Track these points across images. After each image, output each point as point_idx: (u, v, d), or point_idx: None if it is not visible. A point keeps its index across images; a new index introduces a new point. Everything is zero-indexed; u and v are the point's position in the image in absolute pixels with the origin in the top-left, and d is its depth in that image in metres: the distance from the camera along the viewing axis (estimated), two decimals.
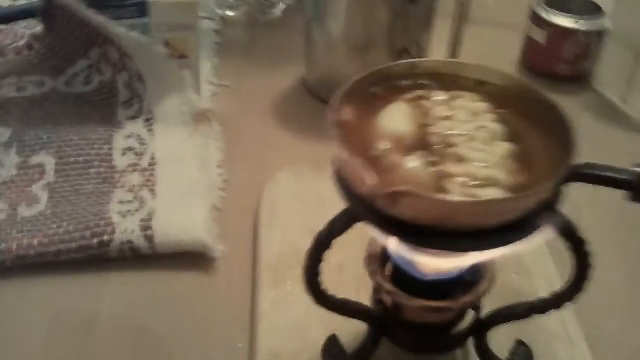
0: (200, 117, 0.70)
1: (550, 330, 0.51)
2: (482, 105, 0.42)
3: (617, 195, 0.62)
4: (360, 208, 0.38)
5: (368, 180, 0.35)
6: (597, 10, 0.79)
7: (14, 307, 0.54)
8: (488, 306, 0.50)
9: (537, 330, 0.50)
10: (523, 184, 0.37)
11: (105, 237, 0.57)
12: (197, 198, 0.62)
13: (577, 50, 0.78)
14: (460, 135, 0.40)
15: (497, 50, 0.87)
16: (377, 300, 0.47)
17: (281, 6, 0.90)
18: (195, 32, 0.69)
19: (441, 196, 0.35)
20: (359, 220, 0.39)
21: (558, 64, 0.79)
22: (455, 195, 0.36)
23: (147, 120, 0.70)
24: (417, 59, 0.44)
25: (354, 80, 0.42)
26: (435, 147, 0.40)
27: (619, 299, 0.57)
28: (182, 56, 0.70)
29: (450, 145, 0.39)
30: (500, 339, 0.48)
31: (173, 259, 0.57)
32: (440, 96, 0.43)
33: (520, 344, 0.48)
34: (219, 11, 0.89)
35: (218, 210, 0.62)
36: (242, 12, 0.89)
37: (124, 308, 0.55)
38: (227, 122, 0.72)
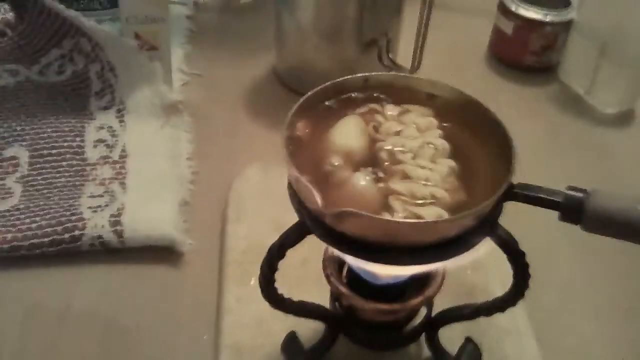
0: (171, 109, 0.71)
1: (501, 325, 0.53)
2: (430, 121, 0.44)
3: None
4: (311, 222, 0.40)
5: (314, 200, 0.37)
6: (565, 3, 0.80)
7: None
8: (443, 301, 0.52)
9: (487, 325, 0.53)
10: (463, 202, 0.39)
11: (76, 232, 0.59)
12: (167, 191, 0.64)
13: (543, 42, 0.80)
14: (407, 152, 0.42)
15: (466, 38, 0.88)
16: (334, 300, 0.49)
17: None
18: (165, 24, 0.70)
19: (381, 217, 0.37)
20: (310, 233, 0.41)
21: (524, 55, 0.81)
22: (399, 213, 0.38)
23: (119, 111, 0.71)
24: (370, 73, 0.46)
25: (307, 95, 0.44)
26: (383, 163, 0.41)
27: (567, 294, 0.59)
28: (153, 48, 0.71)
29: (397, 162, 0.41)
30: (453, 333, 0.51)
31: (142, 253, 0.59)
32: (391, 110, 0.45)
33: (469, 341, 0.50)
34: None
35: (187, 204, 0.64)
36: None
37: (94, 301, 0.57)
38: (197, 112, 0.74)
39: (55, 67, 0.75)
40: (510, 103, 0.79)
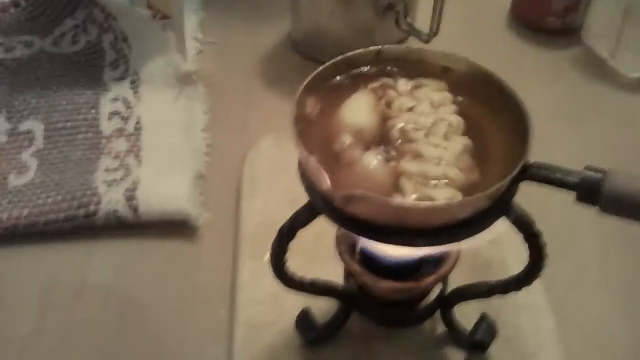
0: (185, 79, 0.71)
1: (517, 301, 0.53)
2: (444, 95, 0.43)
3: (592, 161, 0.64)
4: (321, 204, 0.39)
5: (323, 182, 0.36)
6: None
7: (4, 277, 0.57)
8: (458, 276, 0.51)
9: (504, 300, 0.52)
10: (476, 182, 0.38)
11: (92, 207, 0.59)
12: (182, 164, 0.63)
13: (566, 3, 0.77)
14: (419, 129, 0.41)
15: (487, 0, 0.85)
16: (347, 277, 0.49)
17: None
18: None
19: (391, 199, 0.36)
20: (320, 214, 0.40)
21: (547, 17, 0.78)
22: (410, 194, 0.38)
23: (133, 82, 0.71)
24: (383, 46, 0.45)
25: (316, 71, 0.42)
26: (395, 141, 0.40)
27: (585, 269, 0.58)
28: (165, 17, 0.70)
29: (410, 140, 0.40)
30: (468, 308, 0.50)
31: (158, 227, 0.59)
32: (404, 84, 0.44)
33: (484, 317, 0.50)
34: None
35: (202, 177, 0.63)
36: None
37: (110, 276, 0.57)
38: (212, 82, 0.73)
39: (69, 37, 0.75)
40: (531, 68, 0.77)
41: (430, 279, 0.45)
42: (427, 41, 0.72)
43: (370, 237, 0.39)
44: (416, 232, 0.38)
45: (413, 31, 0.74)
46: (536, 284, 0.53)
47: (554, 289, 0.55)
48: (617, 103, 0.74)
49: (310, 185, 0.40)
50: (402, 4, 0.73)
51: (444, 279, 0.47)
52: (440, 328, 0.51)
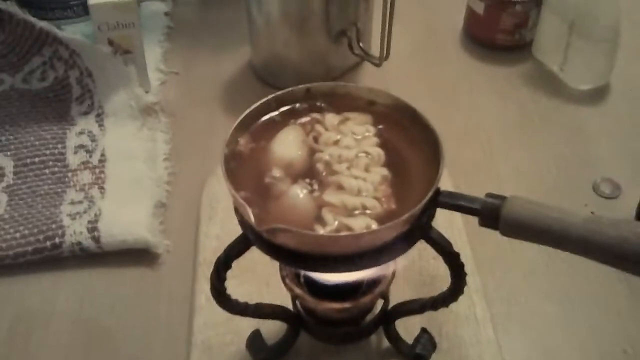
0: (148, 110, 0.74)
1: (459, 312, 0.56)
2: (367, 128, 0.46)
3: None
4: (252, 235, 0.42)
5: (249, 217, 0.39)
6: None
7: None
8: (404, 291, 0.55)
9: (447, 312, 0.55)
10: (393, 210, 0.41)
11: (57, 240, 0.62)
12: (143, 194, 0.66)
13: (515, 20, 0.80)
14: (343, 162, 0.44)
15: (441, 19, 0.89)
16: (294, 299, 0.52)
17: None
18: (137, 28, 0.72)
19: (308, 231, 0.39)
20: (252, 245, 0.43)
21: (497, 34, 0.82)
22: (330, 225, 0.40)
23: (98, 115, 0.74)
24: (312, 84, 0.47)
25: (247, 111, 0.46)
26: (320, 174, 0.43)
27: (527, 280, 0.61)
28: (127, 52, 0.73)
29: (333, 173, 0.43)
30: (414, 321, 0.53)
31: (121, 256, 0.62)
32: (332, 119, 0.46)
33: (424, 331, 0.52)
34: None
35: (163, 205, 0.66)
36: None
37: (76, 304, 0.60)
38: (175, 112, 0.76)
39: (37, 74, 0.78)
40: (484, 84, 0.80)
41: (367, 298, 0.48)
42: (378, 65, 0.75)
43: (297, 266, 0.42)
44: (339, 259, 0.41)
45: (366, 55, 0.77)
46: (477, 297, 0.57)
47: (496, 301, 0.58)
48: (567, 115, 0.77)
49: (241, 218, 0.43)
50: (354, 29, 0.76)
51: (383, 297, 0.50)
52: (385, 342, 0.54)
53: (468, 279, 0.55)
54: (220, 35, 0.87)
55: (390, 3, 0.70)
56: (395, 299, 0.52)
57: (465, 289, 0.47)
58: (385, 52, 0.74)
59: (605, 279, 0.60)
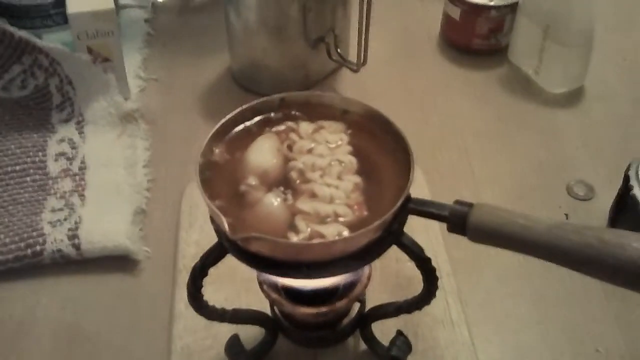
0: (127, 118, 0.74)
1: (434, 315, 0.57)
2: (340, 137, 0.47)
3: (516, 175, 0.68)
4: (227, 243, 0.43)
5: (223, 225, 0.40)
6: None
7: None
8: (381, 294, 0.56)
9: (423, 314, 0.56)
10: (365, 217, 0.42)
11: (38, 247, 0.62)
12: (123, 201, 0.67)
13: (490, 25, 0.81)
14: (316, 170, 0.44)
15: (418, 24, 0.90)
16: (271, 304, 0.53)
17: None
18: (115, 36, 0.73)
19: (280, 240, 0.40)
20: (227, 253, 0.44)
21: (473, 39, 0.83)
22: (303, 232, 0.41)
23: (78, 122, 0.74)
24: (286, 93, 0.48)
25: (222, 121, 0.46)
26: (294, 182, 0.44)
27: (501, 282, 0.62)
28: (106, 59, 0.74)
29: (306, 181, 0.44)
30: (390, 323, 0.54)
31: (101, 262, 0.63)
32: (306, 127, 0.47)
33: (400, 334, 0.53)
34: None
35: (143, 212, 0.67)
36: None
37: (57, 311, 0.61)
38: (154, 119, 0.76)
39: (18, 82, 0.78)
40: (461, 88, 0.81)
41: (343, 302, 0.49)
42: (356, 70, 0.76)
43: (271, 273, 0.42)
44: (313, 266, 0.41)
45: (343, 61, 0.78)
46: (452, 299, 0.58)
47: (471, 303, 0.59)
48: (542, 118, 0.78)
49: (217, 227, 0.43)
50: (331, 35, 0.77)
51: (359, 301, 0.51)
52: (362, 345, 0.55)
53: (444, 281, 0.56)
54: (199, 42, 0.88)
55: (367, 10, 0.71)
56: (371, 302, 0.53)
57: (441, 291, 0.48)
58: (362, 58, 0.75)
59: (578, 281, 0.61)
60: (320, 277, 0.42)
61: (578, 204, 0.68)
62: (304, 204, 0.43)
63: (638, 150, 0.72)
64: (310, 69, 0.79)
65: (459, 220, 0.39)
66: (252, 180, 0.45)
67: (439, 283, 0.46)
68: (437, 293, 0.48)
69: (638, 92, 0.81)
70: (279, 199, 0.43)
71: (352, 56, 0.77)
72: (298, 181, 0.44)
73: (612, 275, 0.35)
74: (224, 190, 0.44)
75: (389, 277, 0.60)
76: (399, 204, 0.41)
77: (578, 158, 0.73)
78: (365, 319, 0.53)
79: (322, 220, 0.42)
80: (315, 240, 0.40)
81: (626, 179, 0.62)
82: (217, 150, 0.46)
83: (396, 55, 0.85)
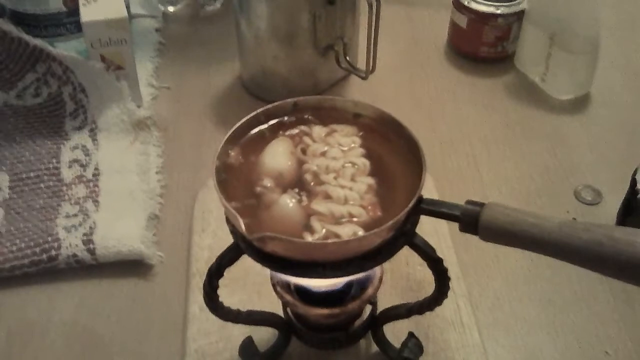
0: (140, 125, 0.75)
1: (445, 317, 0.57)
2: (353, 140, 0.47)
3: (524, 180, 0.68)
4: (243, 244, 0.44)
5: (240, 225, 0.41)
6: None
7: None
8: (392, 297, 0.57)
9: (434, 316, 0.57)
10: (379, 217, 0.43)
11: (53, 252, 0.63)
12: (137, 207, 0.68)
13: (497, 33, 0.82)
14: (330, 172, 0.45)
15: (426, 32, 0.91)
16: (284, 306, 0.53)
17: None
18: (128, 45, 0.74)
19: (296, 239, 0.41)
20: (243, 253, 0.45)
21: (480, 47, 0.84)
22: (319, 232, 0.42)
23: (91, 130, 0.75)
24: (299, 97, 0.49)
25: (237, 125, 0.47)
26: (308, 184, 0.45)
27: (511, 284, 0.63)
28: (119, 67, 0.75)
29: (320, 183, 0.45)
30: (402, 325, 0.55)
31: (115, 267, 0.64)
32: (319, 131, 0.48)
33: (411, 335, 0.54)
34: (161, 7, 0.93)
35: (156, 217, 0.68)
36: (183, 6, 0.93)
37: (72, 314, 0.61)
38: (167, 126, 0.78)
39: (31, 90, 0.79)
40: (468, 95, 0.82)
41: (355, 304, 0.50)
42: (365, 78, 0.77)
43: (286, 273, 0.43)
44: (327, 266, 0.42)
45: (352, 69, 0.79)
46: (463, 302, 0.59)
47: (481, 305, 0.60)
48: (549, 124, 0.79)
49: (233, 228, 0.44)
50: (340, 43, 0.78)
51: (371, 303, 0.52)
52: (374, 347, 0.56)
53: (454, 284, 0.57)
54: (210, 50, 0.89)
55: (376, 18, 0.72)
56: (383, 305, 0.54)
57: (451, 294, 0.49)
58: (371, 65, 0.76)
59: (587, 284, 0.62)
60: (334, 277, 0.43)
61: (586, 208, 0.69)
62: (319, 205, 0.43)
63: None
64: (320, 77, 0.80)
65: (470, 220, 0.40)
66: (268, 182, 0.45)
67: (449, 285, 0.47)
68: (448, 295, 0.48)
69: None
70: (294, 200, 0.44)
71: (361, 64, 0.78)
72: (312, 183, 0.45)
73: (621, 272, 0.36)
74: (240, 192, 0.45)
75: (400, 280, 0.61)
76: (411, 204, 0.41)
77: (585, 163, 0.74)
78: (377, 321, 0.53)
79: (337, 220, 0.43)
80: (330, 240, 0.41)
81: (633, 182, 0.62)
82: (232, 153, 0.47)
83: (404, 63, 0.86)
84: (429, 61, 0.87)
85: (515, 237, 0.39)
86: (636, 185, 0.62)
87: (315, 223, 0.43)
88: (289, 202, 0.44)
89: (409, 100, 0.82)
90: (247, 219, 0.42)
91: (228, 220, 0.45)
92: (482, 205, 0.40)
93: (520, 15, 0.81)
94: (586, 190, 0.70)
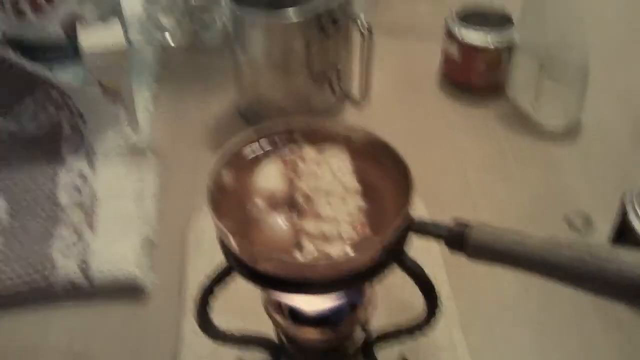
0: (137, 150, 0.76)
1: (437, 341, 0.58)
2: (343, 161, 0.48)
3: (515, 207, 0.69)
4: (234, 263, 0.44)
5: (231, 244, 0.42)
6: (507, 22, 0.84)
7: None
8: (385, 319, 0.56)
9: (425, 340, 0.57)
10: (368, 238, 0.44)
11: (49, 276, 0.64)
12: (132, 232, 0.68)
13: (488, 64, 0.84)
14: (321, 192, 0.46)
15: (419, 62, 0.92)
16: (276, 328, 0.54)
17: (218, 26, 0.94)
18: (126, 71, 0.75)
19: (286, 257, 0.42)
20: (234, 272, 0.45)
21: (472, 77, 0.85)
22: (308, 252, 0.43)
23: (88, 155, 0.76)
24: (291, 119, 0.50)
25: (229, 146, 0.48)
26: (299, 204, 0.46)
27: (503, 310, 0.63)
28: (117, 94, 0.76)
29: (311, 203, 0.46)
30: (394, 349, 0.55)
31: (110, 291, 0.64)
32: (310, 152, 0.49)
33: (404, 359, 0.54)
34: (159, 37, 0.95)
35: (151, 242, 0.69)
36: (181, 37, 0.95)
37: (66, 338, 0.62)
38: (163, 152, 0.79)
39: (29, 115, 0.80)
40: (461, 124, 0.84)
41: (346, 326, 0.50)
42: (359, 106, 0.78)
43: (277, 289, 0.44)
44: (317, 284, 0.43)
45: (346, 97, 0.80)
46: (454, 326, 0.59)
47: (472, 329, 0.60)
48: (540, 152, 0.80)
49: (224, 247, 0.45)
50: (335, 71, 0.79)
51: (363, 325, 0.52)
52: None
53: (446, 307, 0.57)
54: (206, 79, 0.90)
55: (368, 47, 0.74)
56: (376, 326, 0.54)
57: (443, 317, 0.49)
58: (364, 94, 0.77)
59: (578, 309, 0.62)
60: (324, 294, 0.44)
61: (576, 234, 0.69)
62: (309, 225, 0.44)
63: (634, 181, 0.73)
64: (314, 105, 0.81)
65: (457, 238, 0.41)
66: (259, 202, 0.46)
67: (441, 309, 0.48)
68: (439, 319, 0.49)
69: (633, 125, 0.83)
70: (285, 220, 0.45)
71: (356, 91, 0.80)
72: (303, 203, 0.46)
73: (604, 289, 0.37)
74: (232, 212, 0.45)
75: (393, 310, 0.61)
76: (399, 223, 0.42)
77: (576, 190, 0.75)
78: (369, 345, 0.54)
79: (327, 239, 0.43)
80: (320, 259, 0.42)
81: (622, 207, 0.63)
82: (225, 174, 0.47)
83: (398, 92, 0.88)
84: (422, 90, 0.89)
85: (500, 255, 0.39)
86: (625, 210, 0.63)
87: (305, 242, 0.43)
88: (279, 221, 0.45)
89: (403, 128, 0.83)
90: (238, 237, 0.42)
91: (220, 240, 0.45)
92: (467, 224, 0.41)
93: (510, 45, 0.83)
94: (577, 217, 0.71)
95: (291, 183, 0.47)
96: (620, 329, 0.61)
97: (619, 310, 0.61)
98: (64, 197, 0.72)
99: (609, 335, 0.60)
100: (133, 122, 0.78)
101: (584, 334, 0.61)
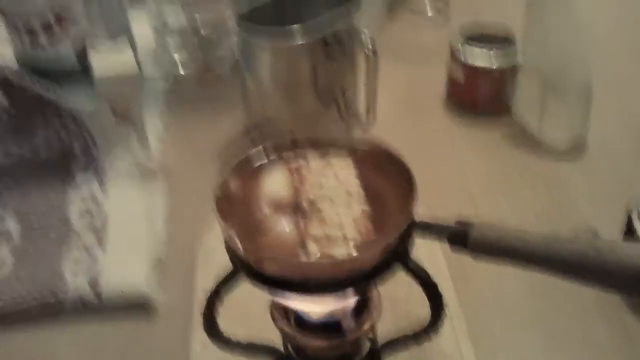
0: (148, 174, 0.78)
1: (444, 350, 0.58)
2: (347, 168, 0.50)
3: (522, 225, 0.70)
4: (241, 267, 0.45)
5: (238, 247, 0.43)
6: (510, 43, 0.85)
7: None
8: (392, 328, 0.57)
9: (431, 349, 0.57)
10: (372, 241, 0.44)
11: (60, 295, 0.65)
12: (142, 251, 0.69)
13: (492, 84, 0.85)
14: (326, 199, 0.47)
15: (425, 85, 0.94)
16: (284, 337, 0.54)
17: (227, 55, 0.97)
18: (139, 98, 0.77)
19: (293, 258, 0.43)
20: (240, 276, 0.46)
21: (477, 98, 0.86)
22: (315, 254, 0.44)
23: (101, 180, 0.78)
24: (298, 134, 0.52)
25: (240, 158, 0.50)
26: (305, 210, 0.47)
27: (509, 315, 0.63)
28: (127, 118, 0.78)
29: (317, 210, 0.47)
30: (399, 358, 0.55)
31: (120, 309, 0.65)
32: (315, 159, 0.50)
33: None
34: (169, 66, 0.97)
35: (161, 261, 0.69)
36: (190, 65, 0.97)
37: (75, 355, 0.62)
38: (174, 176, 0.80)
39: (42, 139, 0.82)
40: (467, 144, 0.85)
41: (351, 336, 0.50)
42: (365, 129, 0.79)
43: (284, 291, 0.44)
44: (322, 286, 0.44)
45: (353, 120, 0.82)
46: (461, 335, 0.59)
47: (479, 337, 0.60)
48: (545, 170, 0.81)
49: (231, 253, 0.46)
50: (341, 95, 0.81)
51: (368, 334, 0.53)
52: None
53: (450, 313, 0.58)
54: (216, 105, 0.92)
55: (373, 69, 0.75)
56: (382, 337, 0.55)
57: (450, 327, 0.50)
58: (370, 115, 0.78)
59: (586, 316, 0.62)
60: (329, 295, 0.44)
61: None
62: (314, 229, 0.45)
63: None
64: (321, 127, 0.82)
65: (460, 238, 0.42)
66: (266, 210, 0.47)
67: (447, 320, 0.48)
68: (446, 327, 0.49)
69: (637, 142, 0.83)
70: (290, 224, 0.46)
71: (362, 113, 0.81)
72: (309, 210, 0.47)
73: (605, 280, 0.37)
74: (238, 217, 0.47)
75: (400, 319, 0.61)
76: (403, 226, 0.43)
77: (582, 208, 0.75)
78: (376, 353, 0.54)
79: (332, 242, 0.44)
80: (325, 260, 0.43)
81: (628, 221, 0.63)
82: (232, 184, 0.49)
83: (405, 114, 0.89)
84: (428, 112, 0.90)
85: (503, 251, 0.40)
86: (631, 223, 0.63)
87: (310, 244, 0.44)
88: (285, 225, 0.46)
89: (409, 149, 0.82)
90: (245, 242, 0.43)
91: (228, 248, 0.46)
92: (469, 224, 0.42)
93: (514, 65, 0.84)
94: (584, 232, 0.71)
95: (296, 189, 0.48)
96: (627, 338, 0.61)
97: (626, 319, 0.61)
98: (75, 219, 0.74)
99: (615, 343, 0.60)
100: (144, 145, 0.80)
101: (590, 339, 0.61)
